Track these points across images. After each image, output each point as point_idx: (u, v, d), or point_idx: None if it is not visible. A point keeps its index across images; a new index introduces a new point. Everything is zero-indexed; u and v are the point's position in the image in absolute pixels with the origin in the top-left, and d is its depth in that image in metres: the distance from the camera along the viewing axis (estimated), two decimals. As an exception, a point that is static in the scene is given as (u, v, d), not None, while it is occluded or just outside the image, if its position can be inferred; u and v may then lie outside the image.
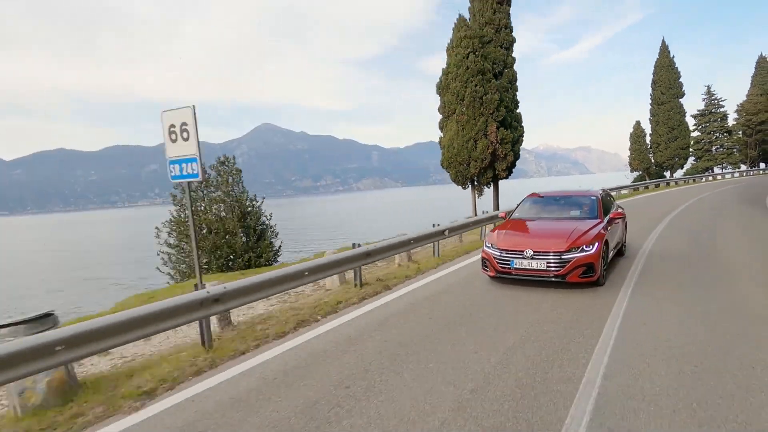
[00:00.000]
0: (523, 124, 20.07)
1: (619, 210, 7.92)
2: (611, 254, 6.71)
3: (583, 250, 5.65)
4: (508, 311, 4.97)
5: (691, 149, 40.26)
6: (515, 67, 20.19)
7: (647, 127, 39.40)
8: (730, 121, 45.88)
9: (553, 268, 5.67)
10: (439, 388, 3.17)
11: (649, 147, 38.93)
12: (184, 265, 12.92)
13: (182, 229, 12.94)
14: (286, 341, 4.40)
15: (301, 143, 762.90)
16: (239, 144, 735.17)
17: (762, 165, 47.82)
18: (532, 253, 5.78)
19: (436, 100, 19.50)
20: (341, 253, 6.23)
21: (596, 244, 5.76)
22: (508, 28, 19.32)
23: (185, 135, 4.72)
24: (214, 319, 4.66)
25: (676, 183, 33.77)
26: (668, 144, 37.18)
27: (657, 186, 31.60)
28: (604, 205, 7.02)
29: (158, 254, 13.24)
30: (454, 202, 52.97)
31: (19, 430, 2.93)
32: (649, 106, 39.24)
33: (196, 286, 4.18)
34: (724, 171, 44.01)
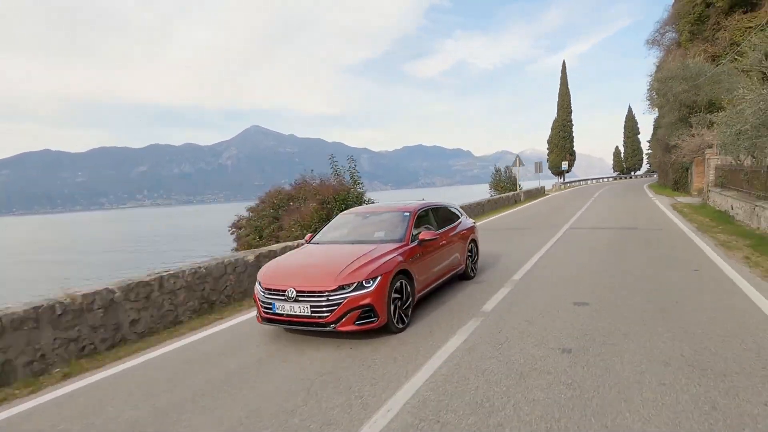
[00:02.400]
0: (575, 152, 58.19)
1: (457, 226, 6.70)
2: (431, 286, 5.57)
3: (360, 287, 4.34)
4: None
5: (645, 159, 79.27)
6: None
7: (622, 148, 78.39)
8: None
9: (321, 313, 4.32)
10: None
11: (623, 158, 77.66)
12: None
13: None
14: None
15: (290, 146, 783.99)
16: (228, 146, 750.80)
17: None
18: (295, 293, 4.42)
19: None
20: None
21: (378, 278, 4.44)
22: (572, 122, 57.44)
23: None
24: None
25: (636, 177, 72.52)
26: (632, 158, 75.99)
27: (625, 177, 70.40)
28: (417, 223, 5.67)
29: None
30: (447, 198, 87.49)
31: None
32: (622, 137, 78.08)
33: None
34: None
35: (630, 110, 76.82)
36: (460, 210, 7.46)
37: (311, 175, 15.62)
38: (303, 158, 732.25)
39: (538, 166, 33.94)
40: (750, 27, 23.53)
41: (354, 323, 4.34)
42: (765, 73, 15.21)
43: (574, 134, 57.50)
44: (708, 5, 26.68)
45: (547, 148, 57.26)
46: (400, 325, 4.73)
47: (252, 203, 18.30)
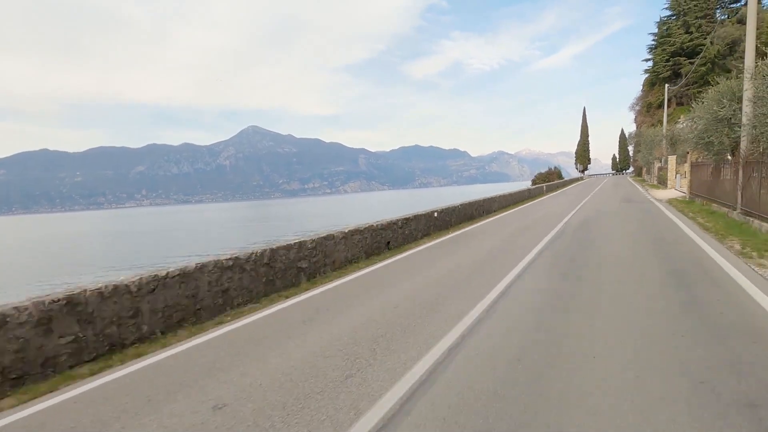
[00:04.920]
0: (591, 158, 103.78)
1: None
2: None
3: None
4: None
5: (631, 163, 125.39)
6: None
7: (617, 155, 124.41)
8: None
9: None
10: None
11: (617, 162, 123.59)
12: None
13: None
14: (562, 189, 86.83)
15: (288, 146, 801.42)
16: (226, 146, 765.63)
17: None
18: None
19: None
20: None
21: None
22: (589, 142, 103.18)
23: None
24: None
25: (626, 173, 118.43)
26: (623, 161, 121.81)
27: (618, 174, 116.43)
28: None
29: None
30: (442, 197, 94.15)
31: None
32: (618, 147, 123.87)
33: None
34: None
35: (622, 131, 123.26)
36: None
37: (549, 169, 60.48)
38: (301, 158, 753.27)
39: (579, 168, 78.85)
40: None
41: None
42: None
43: (590, 147, 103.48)
44: (650, 104, 71.56)
45: (575, 158, 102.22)
46: None
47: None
